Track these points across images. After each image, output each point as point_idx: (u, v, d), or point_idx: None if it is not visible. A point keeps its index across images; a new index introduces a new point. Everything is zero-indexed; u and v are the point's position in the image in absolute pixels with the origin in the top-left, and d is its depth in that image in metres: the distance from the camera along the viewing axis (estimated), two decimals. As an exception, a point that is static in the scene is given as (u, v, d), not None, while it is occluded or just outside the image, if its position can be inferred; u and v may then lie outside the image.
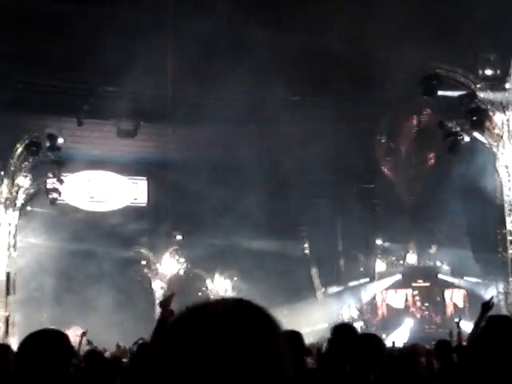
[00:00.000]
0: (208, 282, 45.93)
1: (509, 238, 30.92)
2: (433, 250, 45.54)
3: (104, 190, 47.35)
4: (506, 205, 31.14)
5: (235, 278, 45.63)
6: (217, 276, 45.82)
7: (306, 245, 48.42)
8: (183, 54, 35.98)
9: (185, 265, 43.93)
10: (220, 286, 45.93)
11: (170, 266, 43.88)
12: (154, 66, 37.09)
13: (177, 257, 43.89)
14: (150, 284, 43.54)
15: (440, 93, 31.26)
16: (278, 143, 41.46)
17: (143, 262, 43.91)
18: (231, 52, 38.04)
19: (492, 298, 7.32)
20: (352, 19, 37.22)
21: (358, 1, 37.58)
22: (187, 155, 42.77)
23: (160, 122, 43.66)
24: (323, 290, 47.56)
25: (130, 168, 46.21)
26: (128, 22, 35.29)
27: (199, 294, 45.73)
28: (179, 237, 44.54)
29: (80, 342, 12.29)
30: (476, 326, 6.62)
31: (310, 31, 37.98)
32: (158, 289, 43.54)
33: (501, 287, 32.91)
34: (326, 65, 39.11)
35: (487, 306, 6.74)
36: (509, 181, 31.09)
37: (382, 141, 47.51)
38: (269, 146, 41.17)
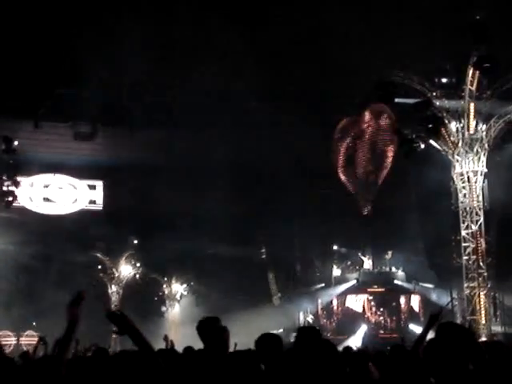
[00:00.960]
0: (165, 286, 45.78)
1: (463, 244, 31.38)
2: (388, 255, 45.93)
3: (60, 193, 46.88)
4: (460, 211, 31.60)
5: (192, 283, 45.55)
6: (173, 281, 45.70)
7: (264, 250, 48.51)
8: (142, 56, 35.79)
9: (141, 269, 43.74)
10: (176, 291, 45.83)
11: (126, 270, 43.67)
12: (112, 68, 36.87)
13: (133, 261, 43.70)
14: (106, 288, 43.26)
15: (396, 100, 31.55)
16: (238, 148, 41.47)
17: (99, 267, 43.62)
18: (191, 55, 38.00)
19: (441, 310, 7.44)
20: (311, 24, 37.41)
21: (317, 6, 37.74)
22: (145, 159, 42.56)
23: (118, 126, 43.34)
24: (279, 294, 47.67)
25: (87, 171, 45.77)
26: (86, 24, 35.02)
27: (155, 298, 45.62)
28: (136, 241, 44.35)
29: (36, 347, 12.14)
30: (423, 334, 6.85)
31: (271, 36, 38.04)
32: (114, 293, 43.31)
33: (455, 293, 33.31)
34: (287, 70, 39.24)
35: (435, 317, 6.83)
36: (464, 188, 31.55)
37: (339, 147, 47.79)
38: (228, 150, 41.09)
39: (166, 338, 9.19)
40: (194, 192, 39.62)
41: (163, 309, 45.95)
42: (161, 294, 46.13)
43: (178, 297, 45.86)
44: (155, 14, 35.97)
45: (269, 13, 37.49)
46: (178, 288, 45.85)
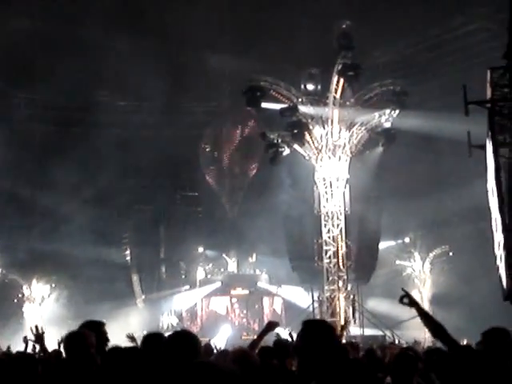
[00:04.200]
0: (25, 288, 44.42)
1: (324, 247, 32.10)
2: (252, 258, 46.40)
3: None
4: (322, 215, 32.30)
5: (53, 285, 44.41)
6: (34, 282, 44.42)
7: (128, 251, 47.90)
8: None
9: (-1, 270, 42.28)
10: (37, 293, 44.56)
11: (-17, 271, 42.13)
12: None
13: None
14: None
15: (263, 105, 31.90)
16: (101, 147, 40.84)
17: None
18: (54, 51, 37.26)
19: (278, 322, 8.01)
20: (173, 28, 37.48)
21: (178, 8, 37.79)
22: (3, 151, 41.19)
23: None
24: (144, 296, 47.21)
25: None
26: None
27: (15, 300, 44.15)
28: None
29: None
30: (259, 336, 7.48)
31: (143, 39, 37.78)
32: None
33: (316, 295, 33.96)
34: (153, 72, 39.04)
35: (272, 324, 7.75)
36: (326, 193, 32.28)
37: (207, 149, 47.94)
38: (92, 149, 40.42)
39: (25, 340, 8.98)
40: (57, 191, 38.68)
41: (23, 311, 44.53)
42: (20, 296, 44.66)
43: (39, 298, 44.59)
44: (14, 9, 35.03)
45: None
46: (39, 289, 44.58)
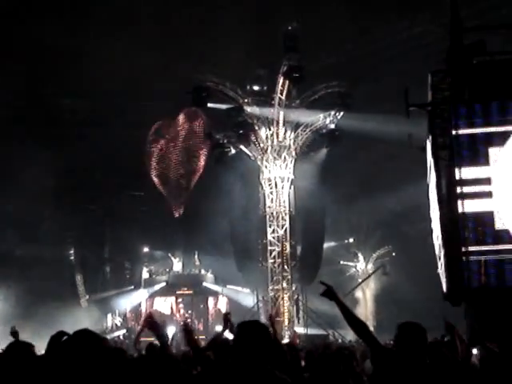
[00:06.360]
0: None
1: (269, 248, 32.29)
2: (196, 258, 46.32)
3: None
4: (267, 216, 32.49)
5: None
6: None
7: (72, 251, 47.40)
8: None
9: None
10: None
11: None
12: None
13: None
14: None
15: (210, 105, 31.97)
16: (47, 145, 40.40)
17: None
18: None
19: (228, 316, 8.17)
20: (122, 27, 37.27)
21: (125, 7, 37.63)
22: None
23: None
24: (87, 296, 46.74)
25: None
26: None
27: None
28: None
29: None
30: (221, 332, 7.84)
31: (92, 37, 37.49)
32: None
33: (261, 295, 34.11)
34: (101, 71, 38.80)
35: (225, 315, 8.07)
36: (271, 193, 32.45)
37: (153, 149, 47.68)
38: (39, 147, 39.97)
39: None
40: (0, 189, 38.15)
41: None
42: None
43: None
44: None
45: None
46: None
